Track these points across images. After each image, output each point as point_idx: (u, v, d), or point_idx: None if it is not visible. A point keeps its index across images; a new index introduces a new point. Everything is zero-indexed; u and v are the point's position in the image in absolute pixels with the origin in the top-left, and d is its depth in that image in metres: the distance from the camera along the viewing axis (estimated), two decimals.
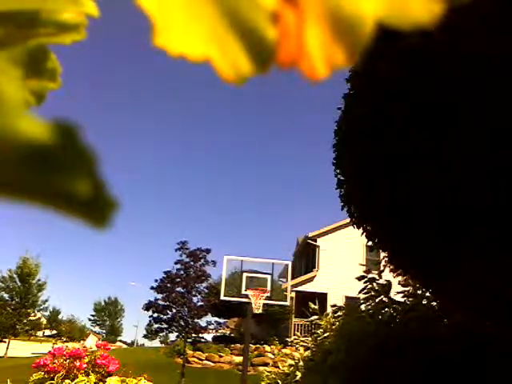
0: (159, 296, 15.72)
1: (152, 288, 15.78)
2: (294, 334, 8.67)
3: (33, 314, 31.41)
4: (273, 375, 5.42)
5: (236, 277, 11.94)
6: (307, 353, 4.68)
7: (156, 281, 15.89)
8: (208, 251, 16.14)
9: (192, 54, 0.19)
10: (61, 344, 6.78)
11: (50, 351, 5.82)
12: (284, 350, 15.71)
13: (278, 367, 5.52)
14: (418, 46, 1.90)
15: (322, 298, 15.40)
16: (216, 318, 18.24)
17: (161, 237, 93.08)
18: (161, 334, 18.61)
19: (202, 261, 16.01)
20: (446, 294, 2.86)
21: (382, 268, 3.89)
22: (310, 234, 20.79)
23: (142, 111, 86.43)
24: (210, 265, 16.04)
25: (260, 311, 10.58)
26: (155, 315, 15.76)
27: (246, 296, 10.48)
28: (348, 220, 3.11)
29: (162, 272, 16.03)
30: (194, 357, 18.11)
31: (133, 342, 53.72)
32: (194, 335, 16.27)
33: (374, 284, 3.83)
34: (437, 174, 2.10)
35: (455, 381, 2.72)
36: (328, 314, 4.62)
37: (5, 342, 29.64)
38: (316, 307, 4.74)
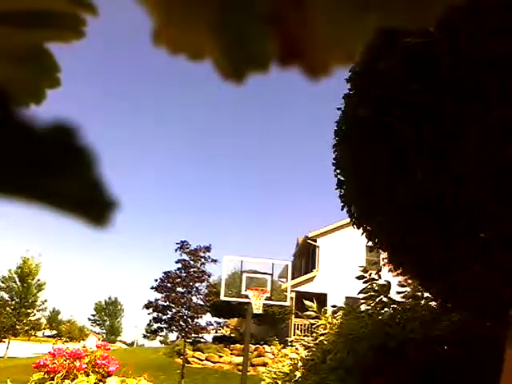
0: (159, 296, 15.72)
1: (152, 288, 15.78)
2: (295, 334, 8.67)
3: (32, 314, 31.40)
4: (273, 375, 5.41)
5: (236, 277, 11.93)
6: (307, 352, 4.67)
7: (156, 281, 15.90)
8: (208, 249, 16.12)
9: (192, 54, 0.19)
10: (61, 344, 6.78)
11: (50, 351, 5.82)
12: (284, 350, 15.72)
13: (278, 367, 5.51)
14: (419, 45, 1.90)
15: (322, 298, 15.39)
16: (216, 318, 18.24)
17: (161, 237, 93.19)
18: (161, 334, 18.61)
19: (203, 260, 16.00)
20: (445, 293, 2.86)
21: (380, 267, 3.89)
22: (310, 234, 20.78)
23: (141, 110, 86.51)
24: (210, 262, 16.01)
25: (260, 311, 10.58)
26: (155, 315, 15.76)
27: (246, 296, 10.48)
28: (348, 220, 3.11)
29: (162, 272, 16.05)
30: (193, 357, 18.11)
31: (133, 342, 53.74)
32: (193, 335, 16.25)
33: (374, 284, 3.83)
34: (437, 174, 2.10)
35: (455, 381, 2.72)
36: (326, 312, 4.61)
37: (5, 341, 29.63)
38: (313, 305, 4.73)
